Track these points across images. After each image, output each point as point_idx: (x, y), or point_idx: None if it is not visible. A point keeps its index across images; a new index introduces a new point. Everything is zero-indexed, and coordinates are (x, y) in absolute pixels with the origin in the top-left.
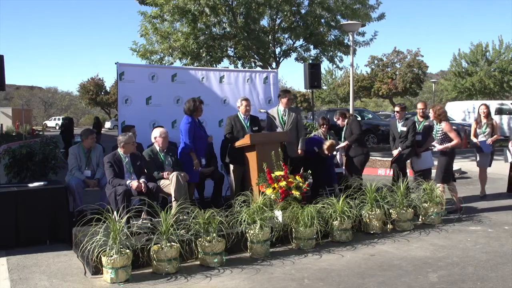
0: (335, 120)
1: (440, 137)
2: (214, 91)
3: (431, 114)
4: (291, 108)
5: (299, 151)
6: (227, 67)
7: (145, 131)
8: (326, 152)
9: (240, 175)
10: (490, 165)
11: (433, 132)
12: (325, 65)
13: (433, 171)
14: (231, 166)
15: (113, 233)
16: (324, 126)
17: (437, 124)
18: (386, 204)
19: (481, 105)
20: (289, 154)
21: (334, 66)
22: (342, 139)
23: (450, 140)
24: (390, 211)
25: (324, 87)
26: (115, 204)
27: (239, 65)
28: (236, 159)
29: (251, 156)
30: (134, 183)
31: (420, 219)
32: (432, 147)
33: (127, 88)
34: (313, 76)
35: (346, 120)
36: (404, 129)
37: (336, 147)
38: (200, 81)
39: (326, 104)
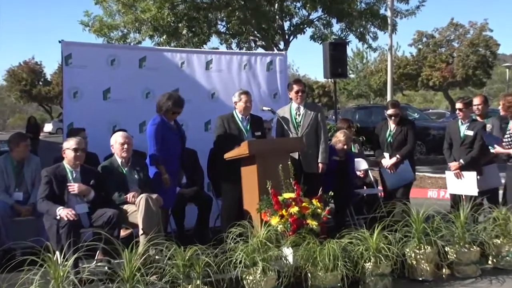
0: (387, 114)
1: (510, 138)
2: (198, 81)
3: (500, 106)
4: (308, 104)
5: (320, 165)
6: (217, 48)
7: (102, 137)
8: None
9: (235, 198)
10: None
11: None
12: (352, 45)
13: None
14: (223, 186)
15: (54, 281)
16: (350, 130)
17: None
18: (440, 239)
19: None
20: (304, 169)
21: (366, 46)
22: (386, 147)
23: None
24: (446, 249)
25: (352, 76)
26: (57, 240)
27: (233, 46)
28: (230, 176)
29: (250, 172)
30: (63, 212)
31: (489, 262)
32: (495, 150)
33: (76, 76)
34: (336, 60)
35: (397, 120)
36: (470, 133)
37: (385, 163)
38: (179, 68)
39: (354, 99)
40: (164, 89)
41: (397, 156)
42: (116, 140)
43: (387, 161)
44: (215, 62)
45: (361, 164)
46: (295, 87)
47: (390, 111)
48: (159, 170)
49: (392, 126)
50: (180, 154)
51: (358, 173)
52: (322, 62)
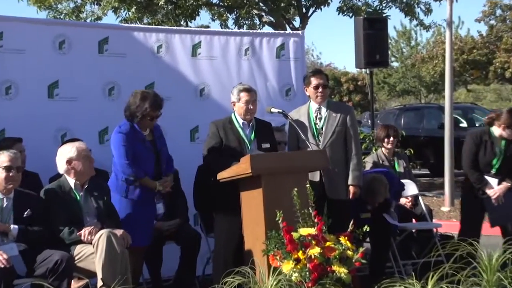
0: (501, 123)
1: None
2: (181, 72)
3: None
4: (334, 104)
5: (351, 189)
6: (207, 27)
7: (46, 150)
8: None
9: (233, 235)
10: None
11: None
12: (395, 20)
13: None
14: (215, 218)
15: None
16: (390, 140)
17: None
18: None
19: None
20: (328, 195)
21: (414, 23)
22: (495, 165)
23: None
24: None
25: (395, 64)
26: None
27: (229, 23)
28: (225, 204)
29: (254, 198)
30: None
31: None
32: None
33: (9, 65)
34: (374, 43)
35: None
36: None
37: (492, 193)
38: (155, 53)
39: (398, 96)
40: (134, 84)
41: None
42: (70, 154)
43: (495, 189)
44: (205, 46)
45: (409, 189)
46: (314, 81)
47: (506, 119)
48: (142, 185)
49: (502, 141)
50: (154, 175)
51: (404, 200)
52: (354, 46)
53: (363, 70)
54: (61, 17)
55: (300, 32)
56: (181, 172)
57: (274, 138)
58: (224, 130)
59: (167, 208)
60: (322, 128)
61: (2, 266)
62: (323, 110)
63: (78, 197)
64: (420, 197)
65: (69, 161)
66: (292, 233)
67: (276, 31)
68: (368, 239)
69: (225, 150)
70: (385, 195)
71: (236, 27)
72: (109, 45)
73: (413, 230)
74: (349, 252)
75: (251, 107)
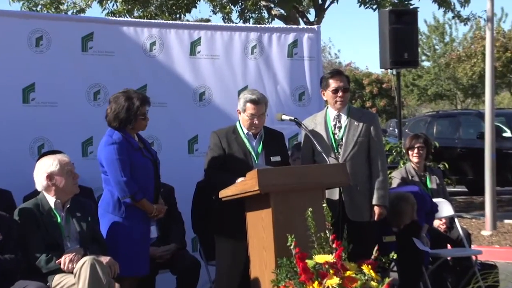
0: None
1: None
2: (178, 73)
3: None
4: (355, 111)
5: (376, 210)
6: (208, 21)
7: (20, 163)
8: None
9: (239, 262)
10: None
11: None
12: (426, 13)
13: None
14: (217, 242)
15: None
16: (416, 152)
17: None
18: None
19: None
20: (349, 216)
21: (449, 15)
22: None
23: None
24: None
25: (426, 64)
26: None
27: (233, 16)
28: (228, 227)
29: (262, 220)
30: None
31: None
32: None
33: None
34: (401, 39)
35: None
36: None
37: None
38: (147, 51)
39: (430, 101)
40: (123, 87)
41: None
42: (51, 168)
43: None
44: (205, 43)
45: (444, 209)
46: (333, 83)
47: None
48: (140, 207)
49: None
50: (155, 188)
51: (438, 222)
52: (378, 43)
53: (389, 70)
54: (38, 9)
55: (315, 27)
56: (177, 189)
57: (286, 150)
58: (227, 140)
59: (161, 232)
60: (341, 138)
61: None
62: (343, 117)
63: (58, 219)
64: (456, 219)
65: (49, 176)
66: (306, 260)
67: (288, 26)
68: (395, 268)
69: (228, 164)
70: (412, 216)
71: (241, 21)
72: (94, 42)
73: (448, 258)
74: (373, 283)
75: (257, 122)
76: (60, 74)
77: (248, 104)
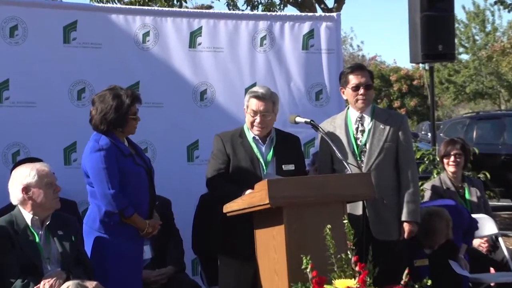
0: None
1: None
2: (175, 69)
3: None
4: (381, 112)
5: (406, 227)
6: (209, 7)
7: None
8: None
9: (247, 286)
10: None
11: None
12: None
13: None
14: (221, 264)
15: None
16: (454, 160)
17: None
18: None
19: None
20: (374, 235)
21: (491, 0)
22: None
23: None
24: None
25: (464, 57)
26: None
27: (239, 3)
28: (233, 246)
29: (273, 238)
30: None
31: None
32: None
33: None
34: (434, 28)
35: None
36: None
37: None
38: (140, 43)
39: (469, 101)
40: (109, 82)
41: None
42: (28, 179)
43: None
44: (207, 34)
45: (485, 226)
46: (354, 79)
47: None
48: (130, 223)
49: None
50: (149, 202)
51: (479, 242)
52: (407, 34)
53: (421, 65)
54: None
55: (334, 14)
56: (175, 203)
57: (302, 158)
58: (232, 145)
59: (156, 252)
60: (365, 144)
61: None
62: (367, 119)
63: (36, 238)
64: (500, 238)
65: (26, 189)
66: (325, 286)
67: (303, 13)
68: None
69: (233, 173)
70: (447, 235)
71: (249, 7)
72: (77, 32)
73: (492, 284)
74: None
75: (258, 120)
76: (39, 69)
77: (251, 99)
